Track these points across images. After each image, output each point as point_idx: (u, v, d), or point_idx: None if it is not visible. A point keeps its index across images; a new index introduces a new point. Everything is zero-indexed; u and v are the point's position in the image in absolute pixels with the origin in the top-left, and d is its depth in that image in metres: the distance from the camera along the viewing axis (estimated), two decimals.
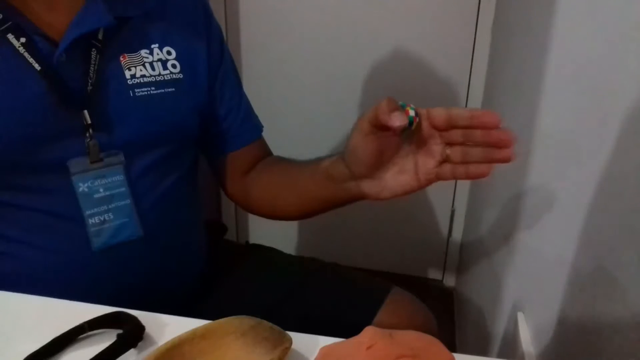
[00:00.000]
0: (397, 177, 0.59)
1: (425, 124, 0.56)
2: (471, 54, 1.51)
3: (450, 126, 0.55)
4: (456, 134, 0.55)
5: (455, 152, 0.56)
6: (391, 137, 0.58)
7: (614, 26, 0.54)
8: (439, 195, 1.72)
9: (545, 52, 0.77)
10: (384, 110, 0.53)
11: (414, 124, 0.55)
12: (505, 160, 0.53)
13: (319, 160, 0.69)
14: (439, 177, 0.58)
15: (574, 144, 0.64)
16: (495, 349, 0.94)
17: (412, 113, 0.54)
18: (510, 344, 0.79)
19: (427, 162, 0.57)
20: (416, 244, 1.80)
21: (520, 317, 0.76)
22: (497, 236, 1.05)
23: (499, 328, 0.92)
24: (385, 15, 1.51)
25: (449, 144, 0.56)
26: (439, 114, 0.55)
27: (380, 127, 0.55)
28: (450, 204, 1.72)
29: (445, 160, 0.57)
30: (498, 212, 1.07)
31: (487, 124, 0.53)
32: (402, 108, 0.54)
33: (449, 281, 1.80)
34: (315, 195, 0.70)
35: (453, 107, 0.54)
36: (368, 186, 0.61)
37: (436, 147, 0.56)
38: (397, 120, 0.52)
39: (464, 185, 1.67)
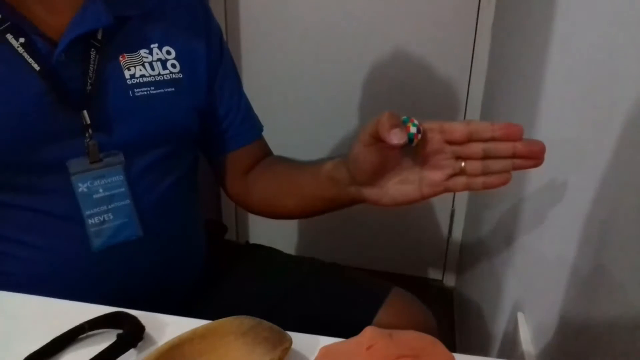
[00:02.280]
0: (399, 186, 0.59)
1: (436, 138, 0.54)
2: (471, 54, 1.51)
3: (470, 140, 0.54)
4: (476, 148, 0.54)
5: (473, 165, 0.54)
6: (393, 150, 0.57)
7: (614, 26, 0.54)
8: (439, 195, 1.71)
9: (545, 52, 0.77)
10: (384, 127, 0.52)
11: (415, 141, 0.53)
12: (537, 165, 0.53)
13: (321, 161, 0.69)
14: (448, 190, 0.57)
15: (574, 144, 0.64)
16: (495, 349, 0.94)
17: (413, 130, 0.53)
18: (510, 344, 0.79)
19: (433, 175, 0.56)
20: (416, 244, 1.80)
21: (520, 317, 0.76)
22: (497, 236, 1.05)
23: (499, 328, 0.92)
24: (385, 15, 1.51)
25: (461, 157, 0.55)
26: (458, 129, 0.54)
27: (380, 140, 0.54)
28: (450, 204, 1.72)
29: (457, 173, 0.55)
30: (498, 213, 1.07)
31: (511, 135, 0.52)
32: (404, 123, 0.53)
33: (449, 281, 1.80)
34: (316, 196, 0.69)
35: (471, 120, 0.54)
36: (369, 192, 0.61)
37: (446, 162, 0.55)
38: (396, 139, 0.51)
39: None
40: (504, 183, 0.54)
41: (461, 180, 0.56)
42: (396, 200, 0.60)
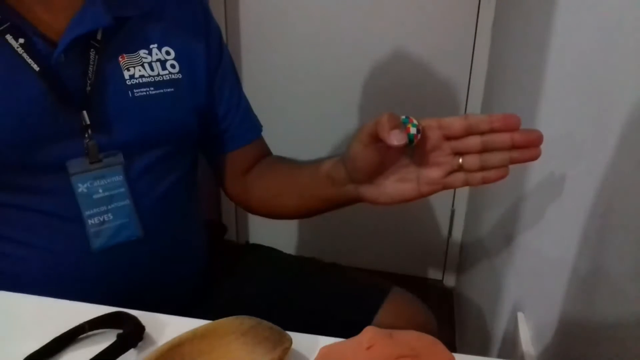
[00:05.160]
0: (397, 185, 0.59)
1: (435, 135, 0.54)
2: (471, 54, 1.51)
3: (468, 133, 0.54)
4: (474, 142, 0.54)
5: (471, 160, 0.54)
6: (391, 150, 0.57)
7: (614, 26, 0.54)
8: (439, 195, 1.70)
9: (545, 52, 0.77)
10: (384, 127, 0.52)
11: (415, 142, 0.53)
12: (535, 157, 0.52)
13: (319, 161, 0.69)
14: (446, 187, 0.57)
15: (574, 143, 0.64)
16: (495, 349, 0.94)
17: (413, 130, 0.52)
18: (510, 344, 0.79)
19: (431, 173, 0.57)
20: (416, 244, 1.80)
21: (520, 317, 0.76)
22: (497, 236, 1.05)
23: (499, 328, 0.92)
24: (385, 15, 1.51)
25: (459, 152, 0.55)
26: (457, 123, 0.54)
27: (379, 140, 0.54)
28: (450, 204, 1.72)
29: (456, 169, 0.56)
30: (498, 212, 1.07)
31: (509, 126, 0.52)
32: (404, 124, 0.52)
33: (449, 281, 1.80)
34: (314, 195, 0.70)
35: (468, 114, 0.54)
36: (367, 191, 0.61)
37: (444, 158, 0.55)
38: (396, 140, 0.51)
39: None
40: (502, 177, 0.54)
41: (460, 176, 0.56)
42: (394, 199, 0.60)
